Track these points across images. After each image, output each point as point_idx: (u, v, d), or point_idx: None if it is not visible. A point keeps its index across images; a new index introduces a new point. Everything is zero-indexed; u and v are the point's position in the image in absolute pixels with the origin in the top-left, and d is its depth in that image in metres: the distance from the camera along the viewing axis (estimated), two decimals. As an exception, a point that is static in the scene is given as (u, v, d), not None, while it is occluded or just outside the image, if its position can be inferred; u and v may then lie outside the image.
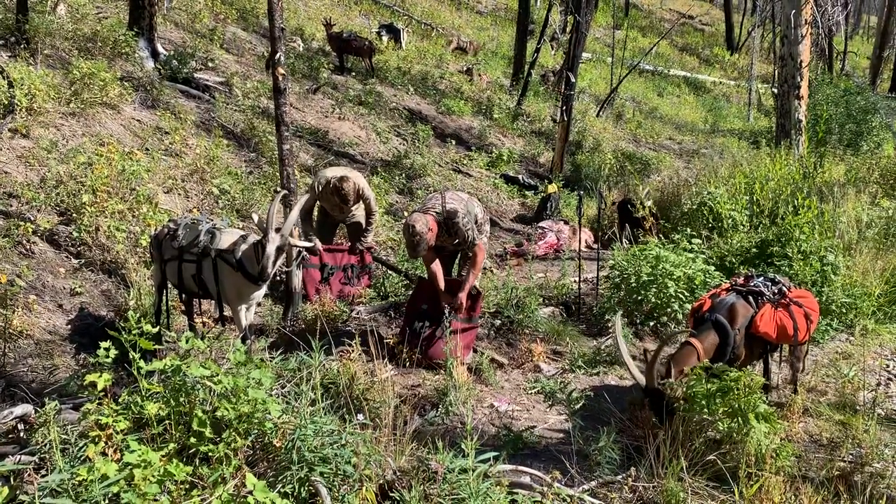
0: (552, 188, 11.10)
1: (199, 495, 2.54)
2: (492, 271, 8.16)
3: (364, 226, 6.91)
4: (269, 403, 3.17)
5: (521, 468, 3.55)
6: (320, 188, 6.51)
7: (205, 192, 8.11)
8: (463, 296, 5.46)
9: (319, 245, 6.62)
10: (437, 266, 5.61)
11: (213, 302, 5.66)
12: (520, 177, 12.72)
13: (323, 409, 3.48)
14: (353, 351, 4.67)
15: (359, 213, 6.88)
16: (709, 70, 27.86)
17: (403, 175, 10.88)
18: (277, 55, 5.74)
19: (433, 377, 5.09)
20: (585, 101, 18.09)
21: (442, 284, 5.57)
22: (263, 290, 5.16)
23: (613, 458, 3.70)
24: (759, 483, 3.23)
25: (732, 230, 7.72)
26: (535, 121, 16.14)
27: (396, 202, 10.03)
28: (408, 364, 5.25)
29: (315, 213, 6.84)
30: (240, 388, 3.15)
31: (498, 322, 6.26)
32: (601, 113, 17.68)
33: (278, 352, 4.34)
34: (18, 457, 3.21)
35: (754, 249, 6.96)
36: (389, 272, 7.17)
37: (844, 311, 6.27)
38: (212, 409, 3.13)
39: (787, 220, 7.11)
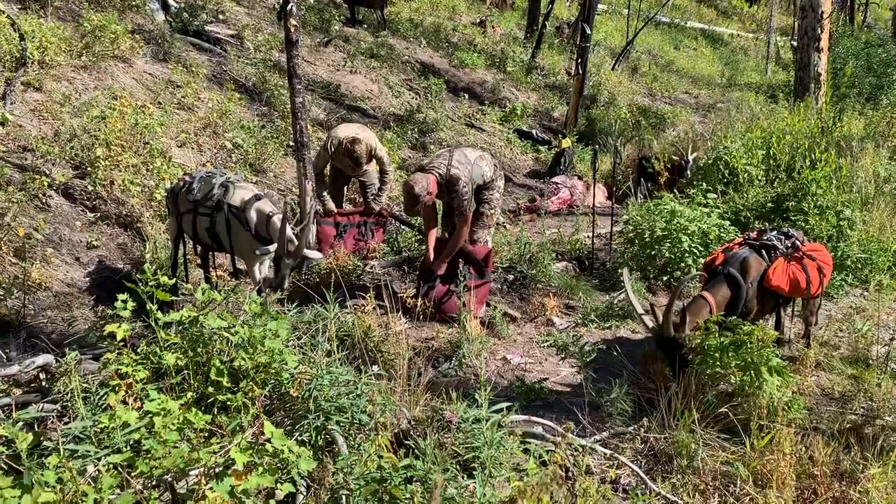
0: (566, 143, 11.00)
1: (217, 442, 2.57)
2: (505, 227, 8.14)
3: (377, 184, 6.92)
4: (286, 354, 3.19)
5: (533, 419, 3.59)
6: (332, 149, 6.48)
7: (218, 146, 8.08)
8: (440, 266, 5.51)
9: (333, 206, 6.67)
10: (432, 233, 5.65)
11: (228, 256, 5.69)
12: (533, 131, 12.59)
13: (338, 360, 3.51)
14: (367, 304, 4.69)
15: (371, 168, 6.87)
16: (727, 22, 27.26)
17: (416, 130, 10.80)
18: (289, 6, 5.65)
19: (447, 330, 5.12)
20: (601, 54, 17.78)
21: (432, 248, 5.60)
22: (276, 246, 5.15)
23: (625, 409, 3.72)
24: (770, 435, 3.24)
25: (748, 185, 7.63)
26: (549, 74, 15.92)
27: (409, 157, 9.98)
28: (422, 318, 5.28)
29: (327, 168, 6.83)
30: (256, 338, 3.17)
31: (511, 277, 6.27)
32: (616, 66, 17.39)
33: (294, 305, 4.38)
34: (41, 405, 3.27)
35: (770, 204, 6.89)
36: (403, 227, 7.16)
37: (860, 266, 6.22)
38: (229, 360, 3.16)
39: (804, 175, 7.02)
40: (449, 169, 5.30)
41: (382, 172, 6.80)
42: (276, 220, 5.02)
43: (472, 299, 5.17)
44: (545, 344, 5.12)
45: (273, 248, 4.89)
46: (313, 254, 5.14)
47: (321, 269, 5.97)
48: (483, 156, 5.61)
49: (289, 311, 4.15)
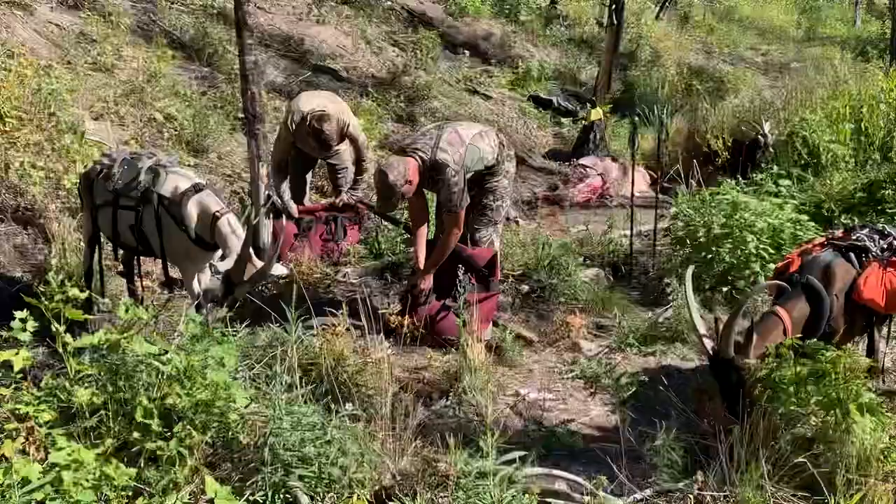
0: (596, 114, 11.00)
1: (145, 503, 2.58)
2: (517, 223, 8.13)
3: (351, 169, 6.95)
4: (234, 389, 3.20)
5: (555, 472, 3.58)
6: (294, 125, 6.50)
7: (145, 119, 8.07)
8: (424, 278, 5.51)
9: (294, 208, 6.70)
10: (422, 231, 5.66)
11: (158, 261, 5.66)
12: (554, 99, 12.62)
13: (302, 396, 3.51)
14: (339, 324, 4.68)
15: (344, 148, 6.91)
16: (804, -43, 27.35)
17: (402, 97, 10.81)
18: (237, -63, 5.66)
19: (442, 358, 5.09)
20: (641, 0, 17.85)
21: (422, 254, 5.62)
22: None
23: (674, 460, 3.71)
24: (861, 493, 3.24)
25: (832, 168, 7.65)
26: (574, 25, 15.96)
27: (393, 132, 9.99)
28: (410, 341, 5.25)
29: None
30: (195, 369, 3.18)
31: (525, 288, 6.25)
32: (661, 15, 17.46)
33: (244, 324, 4.38)
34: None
35: (860, 193, 6.90)
36: (385, 223, 7.17)
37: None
38: (160, 396, 3.16)
39: (905, 156, 7.05)
40: (435, 152, 5.31)
41: (358, 155, 6.83)
42: (226, 222, 4.99)
43: (474, 317, 5.10)
44: (570, 375, 5.10)
45: (225, 264, 4.87)
46: (277, 269, 5.13)
47: (279, 277, 5.95)
48: (485, 133, 5.62)
49: (237, 332, 4.16)
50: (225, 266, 4.84)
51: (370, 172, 6.95)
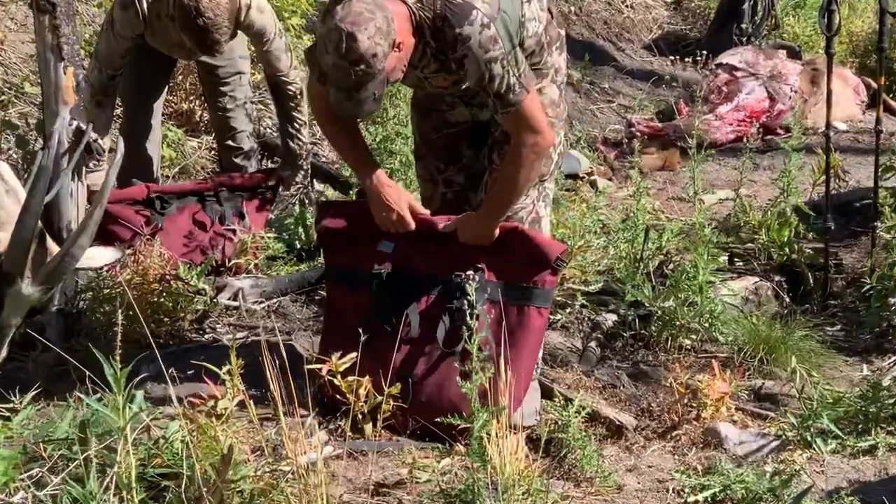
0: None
1: None
2: (591, 184, 8.09)
3: (249, 89, 7.31)
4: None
5: None
6: (143, 2, 6.33)
7: None
8: (484, 231, 5.08)
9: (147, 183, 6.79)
10: (353, 137, 5.44)
11: None
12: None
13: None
14: (223, 394, 4.44)
15: (237, 46, 6.97)
16: None
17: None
18: None
19: (437, 463, 4.76)
20: None
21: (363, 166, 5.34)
22: None
23: None
24: None
25: None
26: None
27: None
28: (371, 427, 4.95)
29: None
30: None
31: (611, 319, 6.05)
32: None
33: (30, 392, 4.51)
34: None
35: None
36: (322, 187, 7.55)
37: None
38: None
39: None
40: None
41: (270, 66, 6.82)
42: None
43: (506, 362, 4.68)
44: (700, 495, 4.70)
45: None
46: (99, 255, 4.97)
47: (101, 297, 5.81)
48: None
49: (14, 411, 4.31)
50: None
51: (305, 112, 7.02)
